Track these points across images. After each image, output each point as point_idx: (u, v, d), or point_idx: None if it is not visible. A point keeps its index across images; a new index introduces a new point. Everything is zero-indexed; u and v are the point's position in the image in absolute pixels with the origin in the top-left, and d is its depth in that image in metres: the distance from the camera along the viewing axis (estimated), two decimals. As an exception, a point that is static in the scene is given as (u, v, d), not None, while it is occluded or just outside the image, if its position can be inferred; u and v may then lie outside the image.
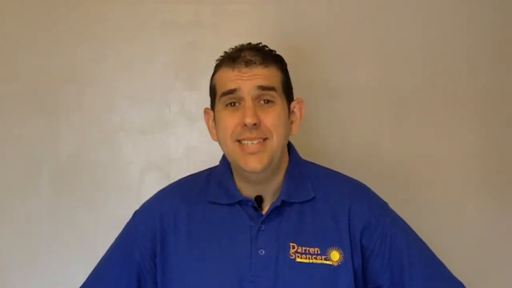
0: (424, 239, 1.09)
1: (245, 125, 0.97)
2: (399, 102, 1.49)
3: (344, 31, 1.49)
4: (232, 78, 1.00)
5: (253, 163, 0.98)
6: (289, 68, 1.10)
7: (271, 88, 1.00)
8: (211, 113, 1.08)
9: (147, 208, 1.11)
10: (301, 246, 1.01)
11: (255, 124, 0.97)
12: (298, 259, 1.00)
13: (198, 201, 1.07)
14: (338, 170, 1.14)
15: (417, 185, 1.48)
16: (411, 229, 1.08)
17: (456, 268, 1.08)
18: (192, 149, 1.47)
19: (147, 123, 1.48)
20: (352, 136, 1.49)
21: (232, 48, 1.05)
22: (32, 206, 1.45)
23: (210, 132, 1.09)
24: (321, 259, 1.00)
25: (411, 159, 1.49)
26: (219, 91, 1.02)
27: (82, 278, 1.11)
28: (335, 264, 1.00)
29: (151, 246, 1.06)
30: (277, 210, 1.02)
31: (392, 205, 1.10)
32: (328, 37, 1.49)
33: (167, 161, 1.47)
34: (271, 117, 0.99)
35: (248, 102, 0.98)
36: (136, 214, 1.11)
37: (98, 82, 1.48)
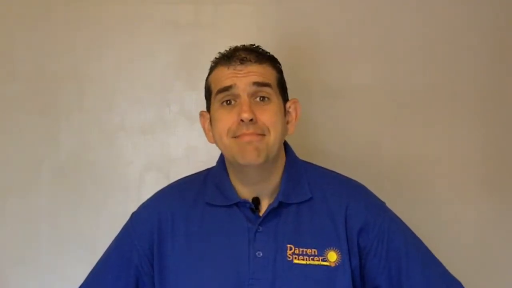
0: (423, 239, 1.09)
1: (241, 121, 0.96)
2: (399, 102, 1.48)
3: (344, 31, 1.49)
4: (227, 75, 1.00)
5: (250, 155, 0.97)
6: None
7: (267, 84, 1.00)
8: (207, 115, 1.08)
9: (144, 209, 1.11)
10: (299, 247, 1.00)
11: (251, 120, 0.96)
12: (295, 261, 1.00)
13: (196, 202, 1.07)
14: (338, 170, 1.14)
15: (417, 185, 1.48)
16: (408, 228, 1.08)
17: (456, 268, 1.08)
18: (192, 149, 1.47)
19: (147, 123, 1.48)
20: (352, 136, 1.48)
21: (226, 50, 1.05)
22: (32, 206, 1.45)
23: (206, 135, 1.09)
24: (319, 260, 1.00)
25: (411, 159, 1.48)
26: (215, 89, 1.02)
27: (82, 277, 1.11)
28: (333, 265, 1.00)
29: (148, 248, 1.05)
30: (274, 211, 1.02)
31: (391, 205, 1.10)
32: (328, 37, 1.49)
33: (167, 161, 1.47)
34: (268, 114, 0.99)
35: (244, 98, 0.98)
36: (133, 215, 1.11)
37: (98, 82, 1.48)
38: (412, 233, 1.08)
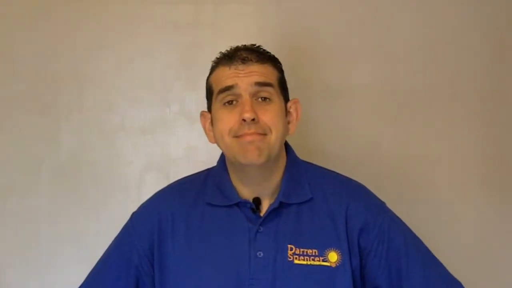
0: (423, 239, 1.09)
1: (243, 120, 0.96)
2: (399, 102, 1.49)
3: (344, 31, 1.49)
4: (229, 75, 1.00)
5: (252, 155, 0.97)
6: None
7: (268, 84, 1.00)
8: (208, 115, 1.07)
9: (145, 209, 1.11)
10: (299, 247, 1.00)
11: (253, 120, 0.96)
12: (296, 261, 0.99)
13: (196, 202, 1.07)
14: (338, 170, 1.14)
15: (417, 185, 1.48)
16: (408, 228, 1.08)
17: (456, 268, 1.08)
18: (192, 149, 1.47)
19: (147, 123, 1.48)
20: (352, 136, 1.48)
21: (228, 50, 1.05)
22: (32, 206, 1.45)
23: (207, 135, 1.08)
24: (319, 261, 1.00)
25: (411, 159, 1.49)
26: (216, 89, 1.02)
27: (82, 277, 1.11)
28: (333, 265, 1.00)
29: (149, 248, 1.05)
30: (275, 211, 1.02)
31: (391, 205, 1.10)
32: (328, 37, 1.49)
33: (167, 161, 1.47)
34: (270, 114, 0.99)
35: (246, 98, 0.98)
36: (134, 215, 1.11)
37: (98, 82, 1.48)
38: (412, 233, 1.08)
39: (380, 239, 1.03)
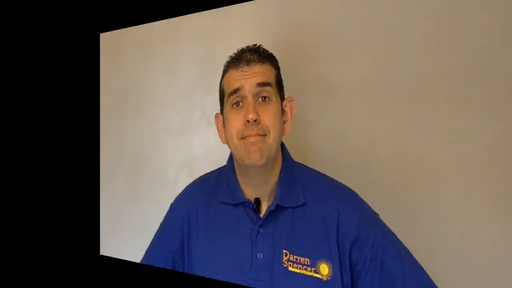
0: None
1: (247, 121, 0.99)
2: (397, 101, 1.24)
3: (344, 30, 1.37)
4: (236, 78, 1.03)
5: (254, 156, 0.99)
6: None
7: (268, 84, 1.02)
8: (221, 117, 1.11)
9: (178, 202, 1.20)
10: (293, 254, 1.00)
11: (255, 120, 0.99)
12: (290, 268, 0.99)
13: (212, 199, 1.13)
14: (333, 170, 1.10)
15: (415, 186, 1.26)
16: (400, 242, 1.00)
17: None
18: (209, 150, 1.56)
19: (182, 127, 1.63)
20: (350, 136, 1.36)
21: (235, 53, 1.08)
22: (112, 193, 1.80)
23: (220, 136, 1.13)
24: (311, 271, 0.98)
25: (408, 160, 1.26)
26: (227, 92, 1.06)
27: (138, 250, 1.26)
28: (324, 278, 0.97)
29: (181, 235, 1.15)
30: (272, 213, 1.03)
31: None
32: (328, 37, 1.39)
33: (197, 160, 1.60)
34: (269, 114, 1.01)
35: (249, 99, 1.01)
36: (171, 205, 1.22)
37: (150, 95, 1.70)
38: (405, 247, 1.00)
39: (373, 255, 0.95)
